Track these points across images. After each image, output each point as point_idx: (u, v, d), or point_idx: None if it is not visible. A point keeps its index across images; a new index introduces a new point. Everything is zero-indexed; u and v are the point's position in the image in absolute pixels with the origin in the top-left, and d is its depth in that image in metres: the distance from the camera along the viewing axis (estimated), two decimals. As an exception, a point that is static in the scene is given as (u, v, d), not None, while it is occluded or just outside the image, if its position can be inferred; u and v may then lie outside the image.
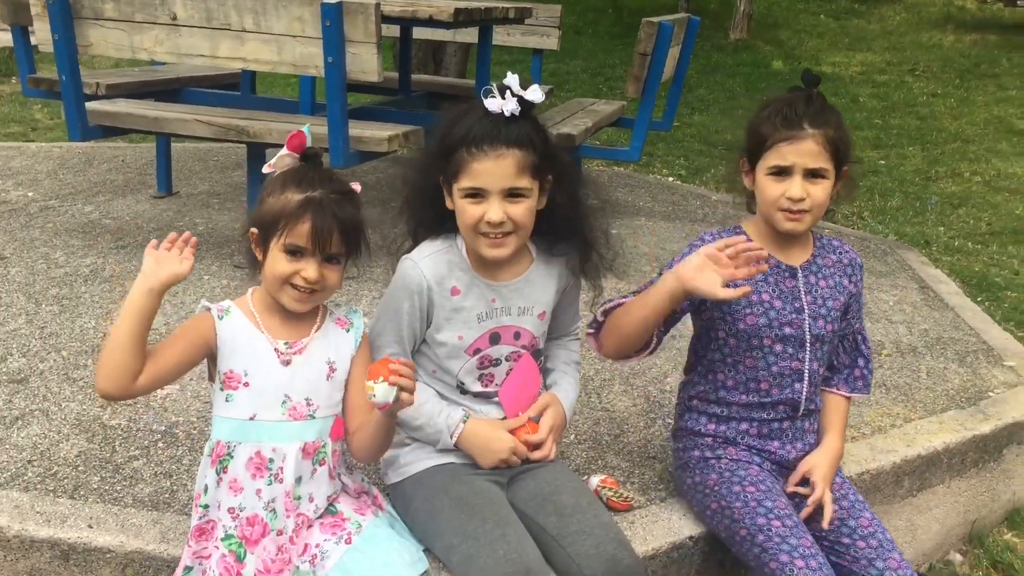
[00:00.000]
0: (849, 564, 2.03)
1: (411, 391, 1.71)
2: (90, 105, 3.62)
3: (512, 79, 1.89)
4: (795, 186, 2.02)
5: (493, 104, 1.87)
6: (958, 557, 2.80)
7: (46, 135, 7.01)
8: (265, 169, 1.84)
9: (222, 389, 1.82)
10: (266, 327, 1.84)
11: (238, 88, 4.96)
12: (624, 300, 2.10)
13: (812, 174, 2.03)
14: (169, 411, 2.54)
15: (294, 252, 1.76)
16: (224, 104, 4.20)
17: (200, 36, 3.32)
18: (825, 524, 2.04)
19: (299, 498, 1.82)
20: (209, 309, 1.83)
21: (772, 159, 2.04)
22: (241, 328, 1.82)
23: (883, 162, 7.52)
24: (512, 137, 1.87)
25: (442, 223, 2.01)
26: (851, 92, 10.03)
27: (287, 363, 1.82)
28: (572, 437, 2.55)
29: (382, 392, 1.67)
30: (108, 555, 1.96)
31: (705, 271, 1.92)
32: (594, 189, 2.11)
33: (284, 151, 1.83)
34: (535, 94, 1.88)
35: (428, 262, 1.98)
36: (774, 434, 2.17)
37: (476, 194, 1.89)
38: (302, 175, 1.80)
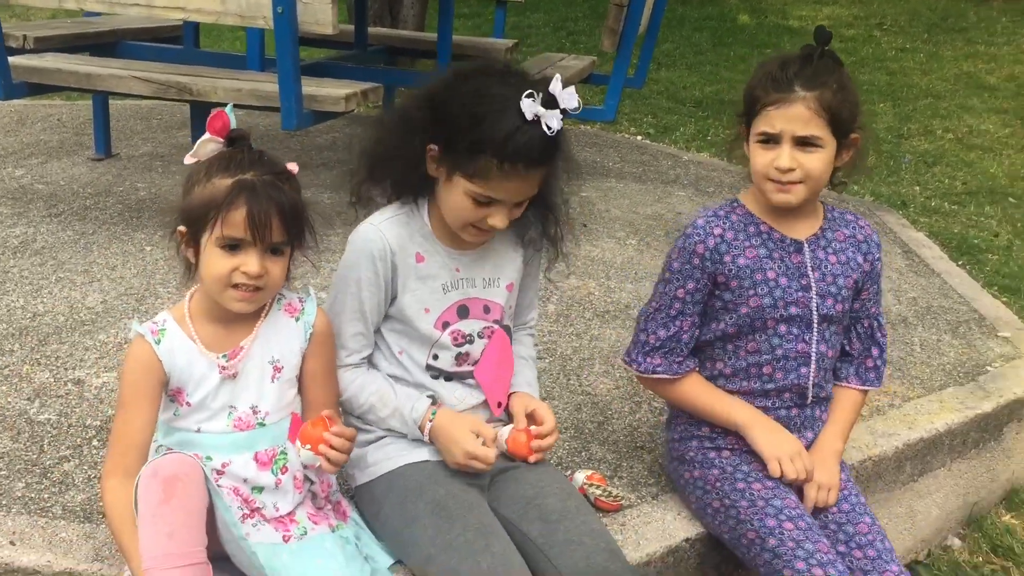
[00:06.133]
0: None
1: (339, 464, 1.66)
2: (15, 60, 3.29)
3: (557, 85, 1.66)
4: (783, 155, 1.84)
5: (530, 110, 1.64)
6: (957, 542, 2.65)
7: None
8: (187, 160, 1.63)
9: (172, 400, 1.67)
10: (203, 339, 1.66)
11: (180, 42, 4.62)
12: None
13: (803, 142, 1.84)
14: (105, 403, 2.28)
15: (231, 246, 1.57)
16: (165, 59, 3.88)
17: (134, -17, 3.00)
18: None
19: (263, 504, 1.66)
20: (143, 335, 1.64)
21: (760, 124, 1.87)
22: (179, 347, 1.65)
23: (854, 119, 7.36)
24: (548, 157, 1.71)
25: (423, 186, 1.83)
26: (818, 47, 9.84)
27: (233, 376, 1.66)
28: (552, 426, 2.34)
29: (305, 458, 1.65)
30: (33, 577, 1.72)
31: None
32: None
33: (206, 136, 1.62)
34: (571, 101, 1.67)
35: (389, 224, 1.81)
36: (781, 422, 1.97)
37: (488, 202, 1.73)
38: (229, 158, 1.60)
